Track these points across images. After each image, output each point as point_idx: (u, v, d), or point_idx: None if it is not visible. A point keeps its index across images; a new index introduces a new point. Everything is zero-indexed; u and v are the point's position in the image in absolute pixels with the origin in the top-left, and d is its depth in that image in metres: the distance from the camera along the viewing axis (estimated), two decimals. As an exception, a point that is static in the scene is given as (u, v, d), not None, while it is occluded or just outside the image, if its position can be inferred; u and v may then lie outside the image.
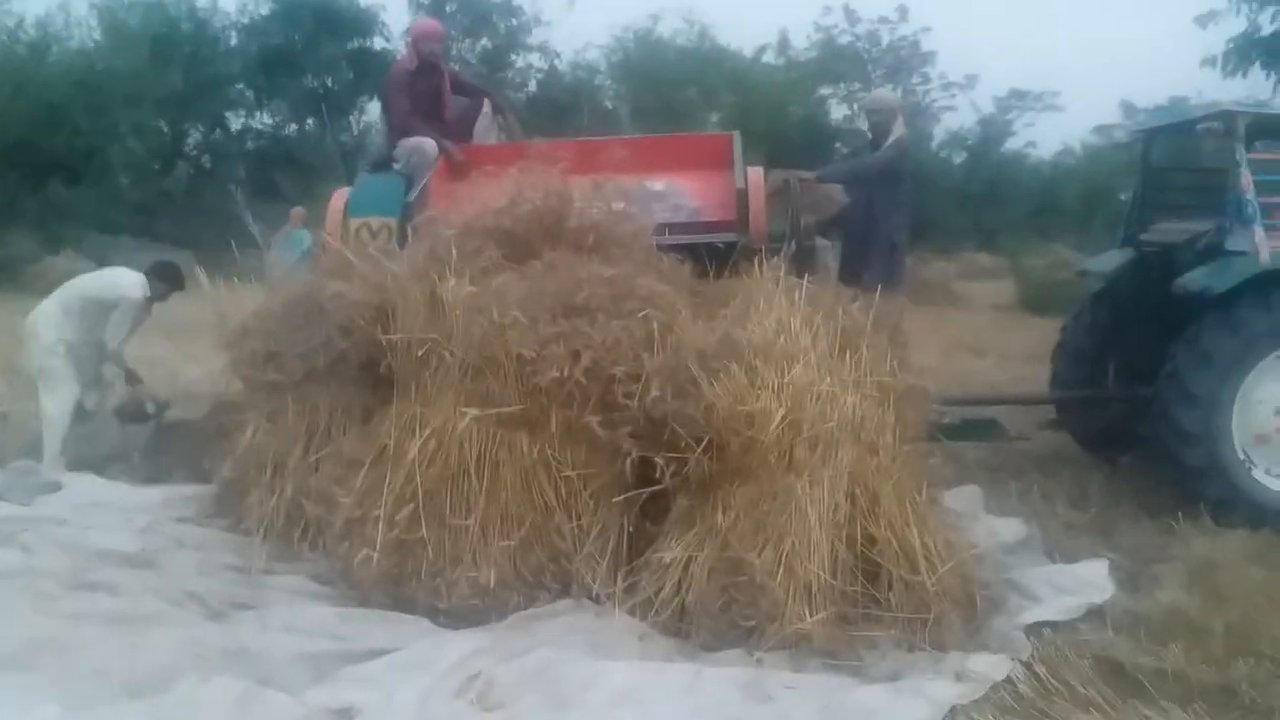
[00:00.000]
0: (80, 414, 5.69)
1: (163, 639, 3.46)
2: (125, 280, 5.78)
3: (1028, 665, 3.32)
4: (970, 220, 26.54)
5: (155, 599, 3.83)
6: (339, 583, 3.95)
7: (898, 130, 5.72)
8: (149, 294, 5.72)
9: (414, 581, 3.79)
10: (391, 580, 3.81)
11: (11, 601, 3.75)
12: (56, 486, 5.10)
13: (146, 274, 5.79)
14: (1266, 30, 15.65)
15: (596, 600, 3.70)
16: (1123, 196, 26.66)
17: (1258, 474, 4.86)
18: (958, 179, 27.69)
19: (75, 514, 4.70)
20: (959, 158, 29.28)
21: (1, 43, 21.77)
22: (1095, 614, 3.73)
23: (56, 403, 5.60)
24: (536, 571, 3.79)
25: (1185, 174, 6.33)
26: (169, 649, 3.39)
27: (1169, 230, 5.60)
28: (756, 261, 4.27)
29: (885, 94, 10.15)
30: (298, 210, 11.88)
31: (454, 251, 4.08)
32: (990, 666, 3.28)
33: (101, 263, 17.01)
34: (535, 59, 26.61)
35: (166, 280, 5.84)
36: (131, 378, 5.89)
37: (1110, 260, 6.02)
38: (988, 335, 11.88)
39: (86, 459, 5.65)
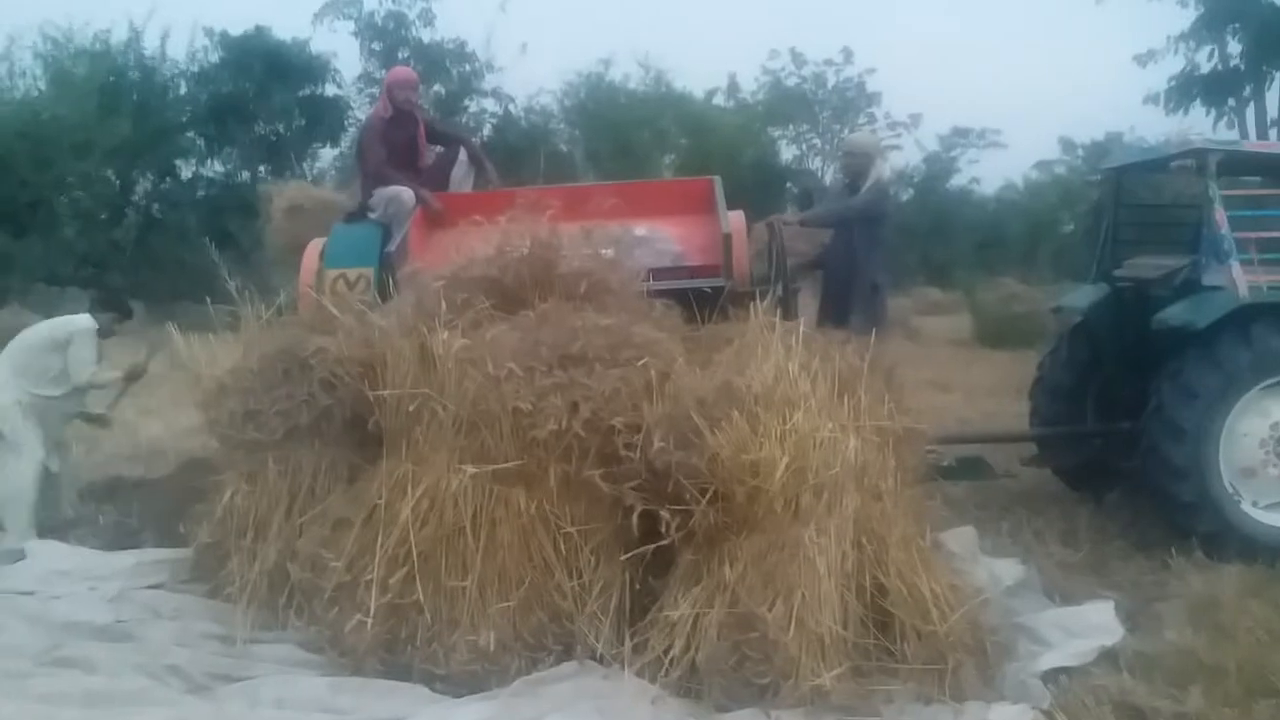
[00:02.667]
0: (46, 477, 5.45)
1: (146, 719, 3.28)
2: (74, 318, 5.67)
3: (1049, 714, 3.26)
4: (919, 255, 27.01)
5: (134, 674, 3.64)
6: (329, 651, 3.78)
7: (876, 172, 5.77)
8: (98, 328, 5.58)
9: (409, 647, 3.65)
10: (385, 647, 3.66)
11: (-22, 682, 3.53)
12: (19, 555, 4.85)
13: (91, 310, 5.67)
14: (1205, 69, 16.29)
15: (602, 661, 3.57)
16: (1066, 230, 27.38)
17: (1246, 507, 4.90)
18: (905, 215, 28.23)
19: (41, 583, 4.47)
20: (905, 195, 29.86)
21: (-58, 96, 21.28)
22: (1107, 657, 3.68)
23: (21, 469, 5.36)
24: (537, 633, 3.66)
25: (1158, 210, 6.46)
26: (153, 731, 3.21)
27: (1143, 266, 5.69)
28: (749, 306, 4.21)
29: (864, 137, 10.27)
30: None
31: (443, 303, 3.99)
32: (1012, 717, 3.22)
33: (49, 314, 16.71)
34: (489, 104, 26.64)
35: (112, 309, 5.73)
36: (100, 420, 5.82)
37: (1085, 296, 6.09)
38: (950, 370, 11.98)
39: (49, 524, 5.42)
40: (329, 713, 3.39)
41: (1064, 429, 6.02)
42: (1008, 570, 4.52)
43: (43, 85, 22.15)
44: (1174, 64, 17.36)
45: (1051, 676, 3.53)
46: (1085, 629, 3.87)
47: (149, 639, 3.93)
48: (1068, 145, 31.94)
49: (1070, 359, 6.12)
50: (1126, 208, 6.16)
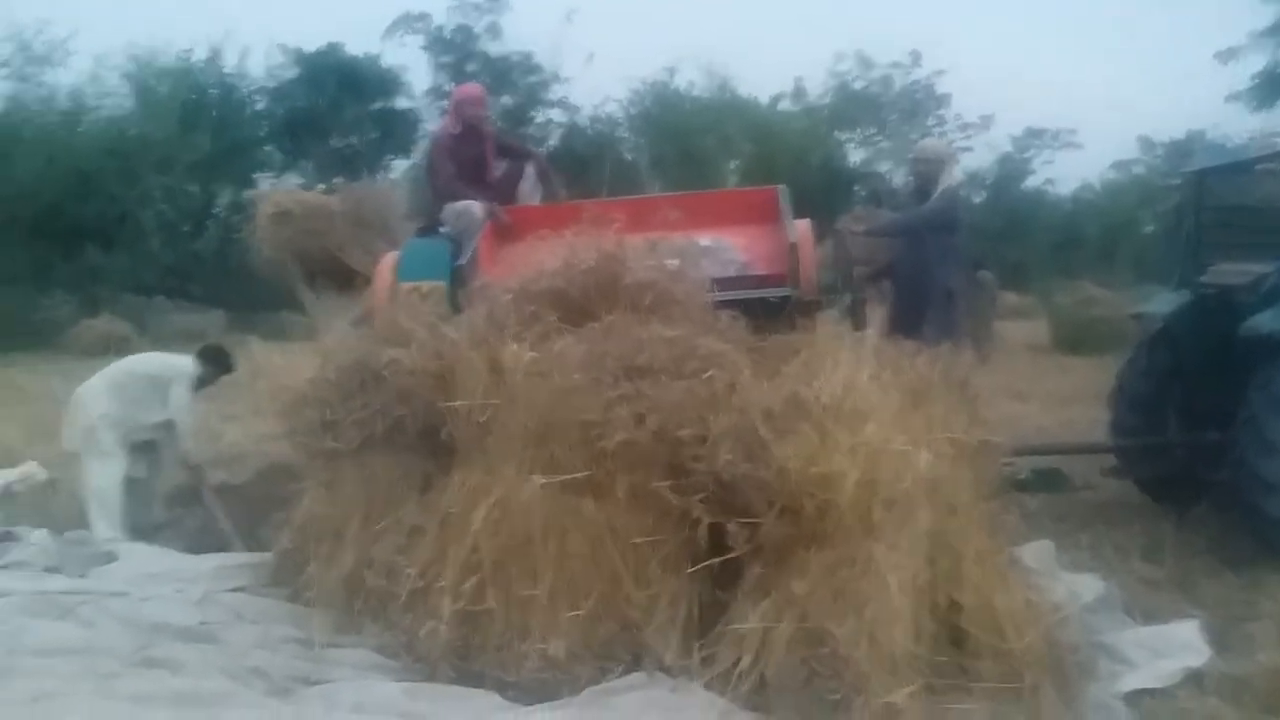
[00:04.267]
0: (130, 484, 5.67)
1: (231, 721, 3.38)
2: (178, 361, 5.93)
3: (1131, 737, 3.17)
4: (993, 259, 26.49)
5: (219, 676, 3.75)
6: (404, 656, 3.84)
7: (948, 179, 5.69)
8: (199, 376, 5.79)
9: (482, 654, 3.69)
10: (458, 653, 3.71)
11: (73, 681, 3.68)
12: (111, 557, 5.06)
13: (196, 357, 5.88)
14: (1290, 65, 15.69)
15: (670, 673, 3.57)
16: (1145, 231, 26.59)
17: (1340, 522, 4.69)
18: (977, 218, 27.73)
19: (132, 585, 4.65)
20: (977, 197, 29.32)
21: (35, 113, 22.30)
22: (1193, 678, 3.56)
23: (105, 474, 5.59)
24: (606, 643, 3.67)
25: (1243, 214, 6.22)
26: (238, 732, 3.31)
27: (1229, 272, 5.50)
28: (816, 316, 4.18)
29: (934, 143, 10.04)
30: None
31: (512, 315, 4.05)
32: (1093, 739, 3.13)
33: (138, 324, 17.40)
34: (556, 114, 27.05)
35: (215, 364, 5.91)
36: (197, 469, 5.93)
37: (1166, 303, 5.92)
38: (1027, 378, 11.74)
39: (138, 528, 5.63)
40: (404, 717, 3.44)
41: (1146, 440, 5.84)
42: (1087, 586, 4.39)
43: (129, 103, 23.11)
44: (1257, 61, 16.78)
45: (1135, 698, 3.42)
46: (1170, 649, 3.74)
47: (232, 641, 4.06)
48: (1147, 145, 31.05)
49: (1151, 367, 5.94)
50: (1209, 211, 5.96)
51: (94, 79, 23.14)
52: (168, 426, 5.78)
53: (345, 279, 6.83)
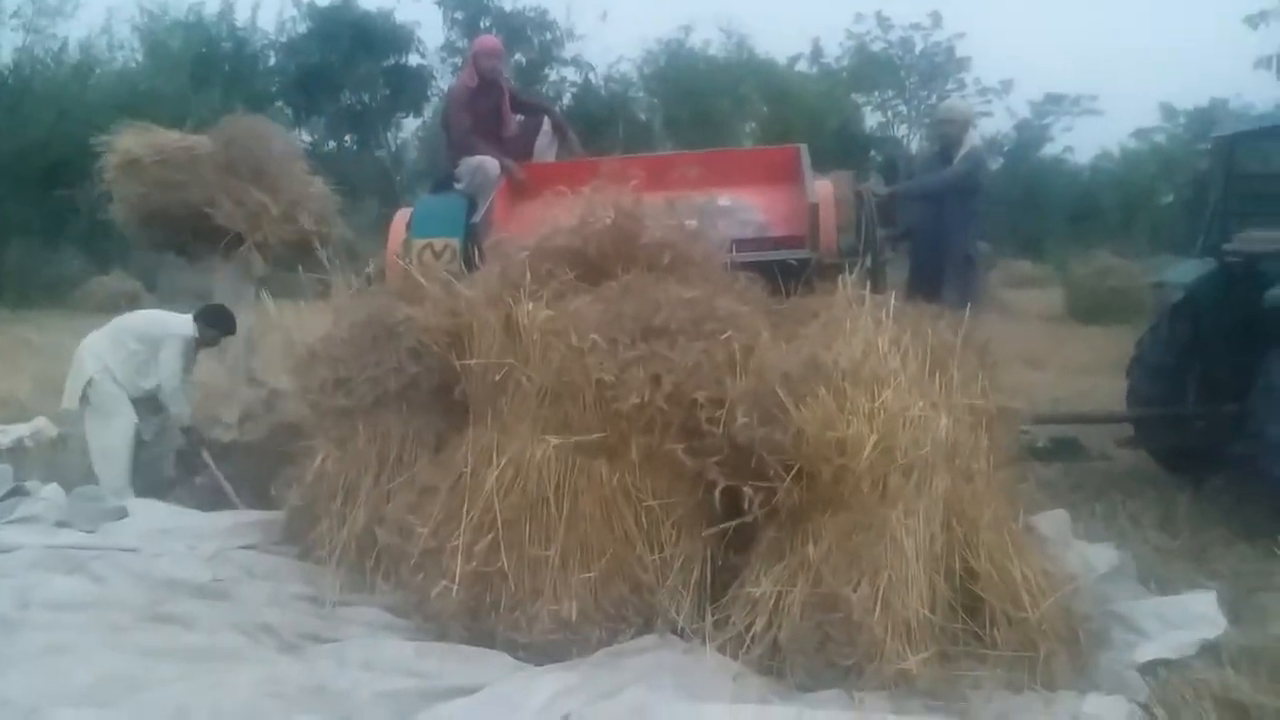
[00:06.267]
0: (139, 443, 5.65)
1: (242, 676, 3.38)
2: (173, 321, 5.74)
3: (1146, 708, 3.14)
4: (1008, 226, 26.26)
5: (230, 632, 3.76)
6: (415, 615, 3.84)
7: (971, 142, 5.58)
8: (197, 337, 5.67)
9: (493, 614, 3.68)
10: (470, 613, 3.70)
11: (85, 634, 3.69)
12: (123, 513, 5.05)
13: (195, 318, 5.71)
14: (1324, 30, 15.30)
15: (682, 635, 3.57)
16: (1164, 201, 26.25)
17: (1360, 495, 4.63)
18: (994, 184, 27.47)
19: (143, 541, 4.65)
20: (995, 163, 29.00)
21: (45, 66, 22.16)
22: (1209, 650, 3.53)
23: (114, 431, 5.54)
24: (618, 604, 3.65)
25: (1274, 181, 6.10)
26: (249, 687, 3.30)
27: (1256, 240, 5.39)
28: (838, 279, 4.11)
29: (957, 104, 9.80)
30: None
31: (528, 274, 3.99)
32: (1107, 709, 3.09)
33: (148, 281, 17.37)
34: (569, 73, 26.77)
35: (216, 325, 5.75)
36: (189, 431, 5.73)
37: (1189, 271, 5.81)
38: (1042, 347, 11.65)
39: (149, 485, 5.63)
40: (414, 676, 3.43)
41: (1164, 410, 5.77)
42: (1102, 556, 4.35)
43: (140, 57, 22.94)
44: (1286, 25, 16.35)
45: (1149, 668, 3.39)
46: (1185, 620, 3.70)
47: (243, 598, 4.06)
48: (1169, 112, 30.57)
49: (1172, 337, 5.84)
50: (1237, 178, 5.83)
51: (105, 31, 22.98)
52: (159, 390, 5.63)
53: (217, 238, 6.06)
